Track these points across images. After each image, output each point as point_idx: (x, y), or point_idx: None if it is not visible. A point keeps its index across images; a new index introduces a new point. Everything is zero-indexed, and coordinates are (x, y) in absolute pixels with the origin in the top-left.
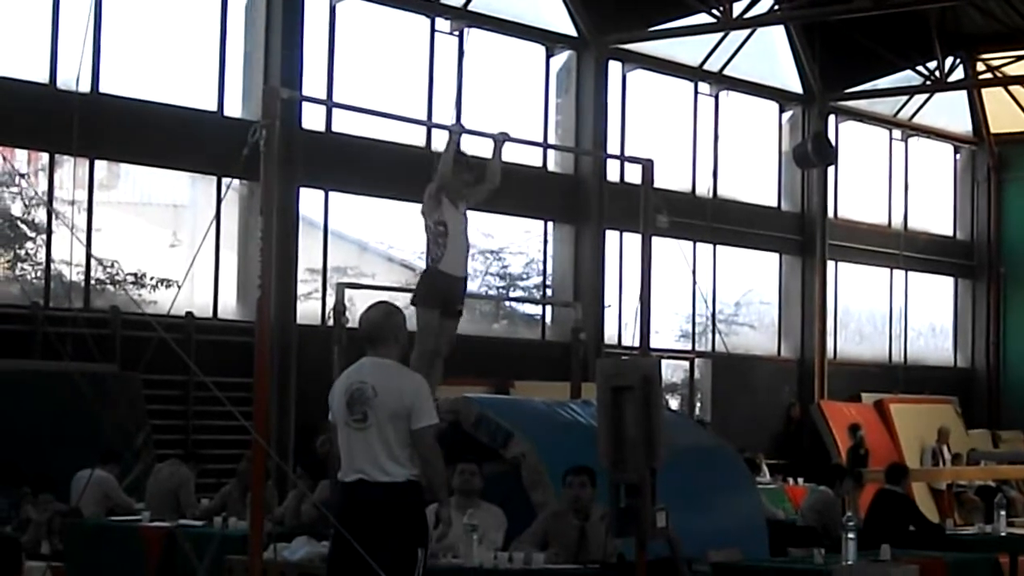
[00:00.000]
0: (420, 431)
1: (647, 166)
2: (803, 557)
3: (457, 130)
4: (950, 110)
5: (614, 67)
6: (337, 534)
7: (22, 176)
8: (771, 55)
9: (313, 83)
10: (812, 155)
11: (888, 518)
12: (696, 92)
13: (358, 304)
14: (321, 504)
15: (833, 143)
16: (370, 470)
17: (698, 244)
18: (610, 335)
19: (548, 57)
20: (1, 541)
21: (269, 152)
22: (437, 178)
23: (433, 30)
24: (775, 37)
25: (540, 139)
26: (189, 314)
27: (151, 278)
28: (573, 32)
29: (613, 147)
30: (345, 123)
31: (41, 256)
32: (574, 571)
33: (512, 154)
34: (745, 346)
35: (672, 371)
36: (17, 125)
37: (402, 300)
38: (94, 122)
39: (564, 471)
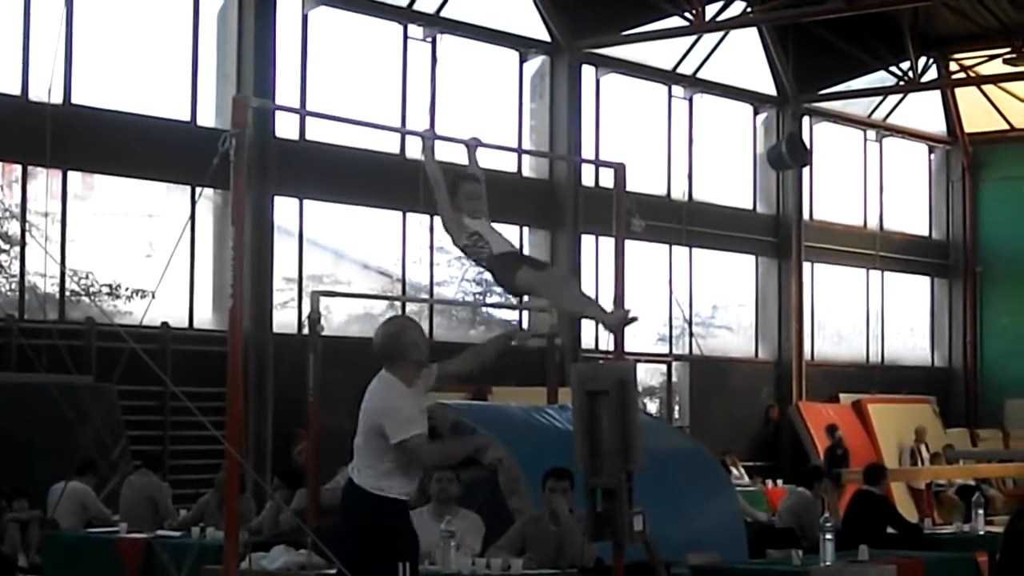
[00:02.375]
0: (399, 445)
1: (619, 170)
2: (781, 559)
3: (429, 136)
4: (924, 110)
5: (587, 71)
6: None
7: None
8: (744, 58)
9: (286, 91)
10: (786, 157)
11: (866, 519)
12: (670, 95)
13: (334, 312)
14: (298, 513)
15: (807, 144)
16: (351, 475)
17: (674, 247)
18: (587, 340)
19: (521, 62)
20: None
21: (239, 161)
22: (436, 192)
23: (406, 37)
24: (748, 40)
25: (514, 144)
26: (164, 324)
27: (126, 289)
28: (546, 37)
29: (588, 151)
30: (319, 131)
31: (15, 268)
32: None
33: (486, 160)
34: (722, 349)
35: (650, 375)
36: None
37: (379, 307)
38: (67, 133)
39: (544, 474)
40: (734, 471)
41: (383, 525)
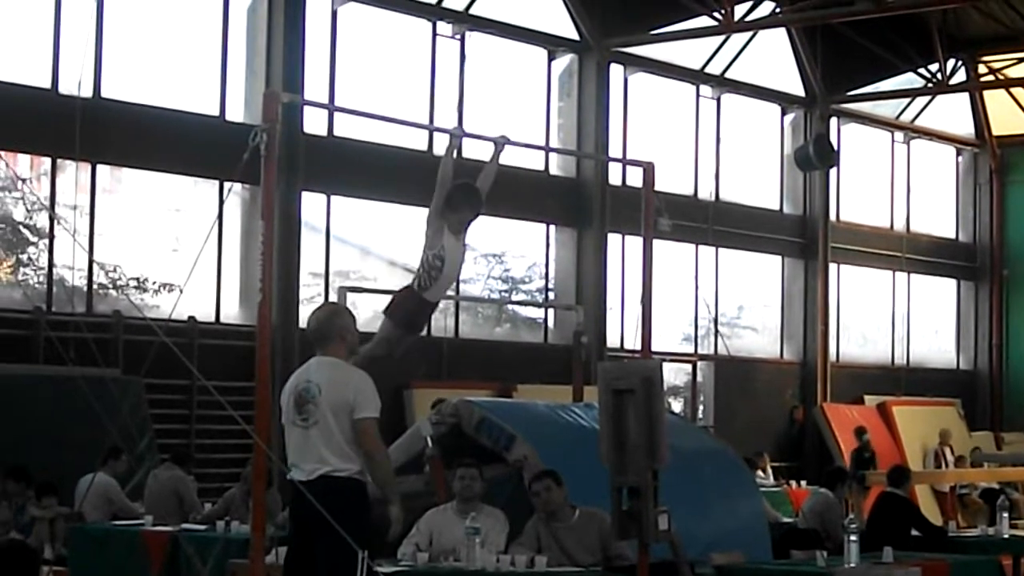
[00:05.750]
0: (360, 421)
1: (648, 169)
2: (805, 560)
3: (458, 134)
4: (952, 112)
5: (616, 70)
6: (290, 534)
7: (24, 181)
8: (773, 58)
9: (315, 87)
10: (814, 158)
11: (890, 521)
12: (698, 95)
13: (360, 308)
14: None
15: (835, 145)
16: (315, 466)
17: (700, 247)
18: (613, 338)
19: (550, 60)
20: (18, 549)
21: (269, 156)
22: (438, 191)
23: (435, 34)
24: (777, 40)
25: (542, 142)
26: (192, 318)
27: (154, 282)
28: (575, 35)
29: (615, 150)
30: (347, 127)
31: (44, 261)
32: (576, 574)
33: (514, 157)
34: (748, 349)
35: (675, 374)
36: (19, 130)
37: None
38: (96, 127)
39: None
40: (759, 473)
41: (360, 509)
